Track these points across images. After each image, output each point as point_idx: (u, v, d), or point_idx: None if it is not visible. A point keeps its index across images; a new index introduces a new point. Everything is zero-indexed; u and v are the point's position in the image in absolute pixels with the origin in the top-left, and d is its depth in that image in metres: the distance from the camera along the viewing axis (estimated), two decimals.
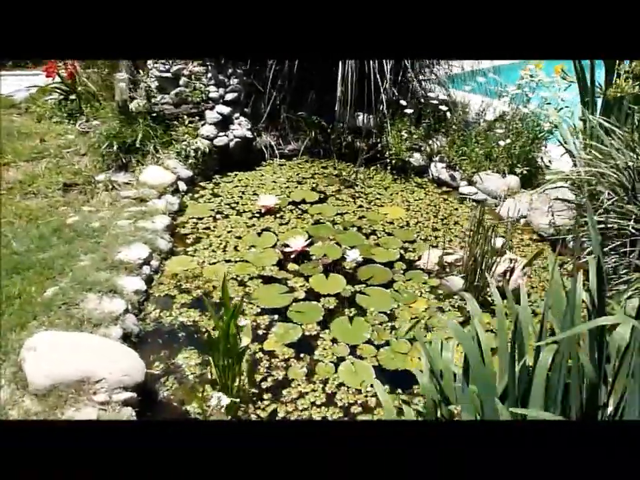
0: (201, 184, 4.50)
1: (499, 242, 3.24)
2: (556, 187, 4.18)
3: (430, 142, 4.77)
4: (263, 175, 4.70)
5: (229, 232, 3.82)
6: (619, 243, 3.36)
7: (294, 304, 3.11)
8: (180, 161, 4.45)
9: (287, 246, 3.59)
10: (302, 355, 2.76)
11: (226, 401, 2.18)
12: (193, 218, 3.99)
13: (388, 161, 4.72)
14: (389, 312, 3.08)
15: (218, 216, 4.03)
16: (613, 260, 3.38)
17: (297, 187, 4.50)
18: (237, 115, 4.81)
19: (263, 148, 4.95)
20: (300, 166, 4.90)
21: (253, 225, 3.92)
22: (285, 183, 4.57)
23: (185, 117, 4.69)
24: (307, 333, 2.90)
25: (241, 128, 4.78)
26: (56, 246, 3.26)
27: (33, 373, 2.31)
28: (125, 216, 3.68)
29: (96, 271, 3.04)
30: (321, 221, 4.02)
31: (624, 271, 3.30)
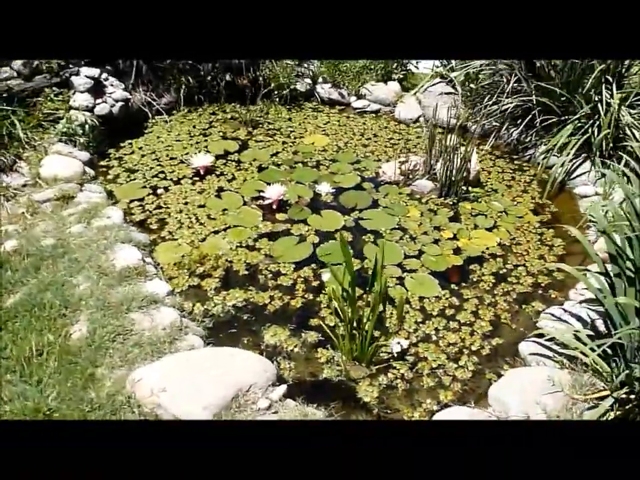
0: (102, 163, 3.93)
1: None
2: (433, 85, 4.79)
3: (309, 65, 4.86)
4: (159, 137, 4.27)
5: (185, 204, 3.52)
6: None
7: (317, 250, 3.17)
8: (67, 143, 3.78)
9: (263, 198, 3.50)
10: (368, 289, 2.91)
11: (405, 343, 2.29)
12: (133, 201, 3.54)
13: (276, 92, 4.69)
14: (397, 226, 3.36)
15: (159, 191, 3.64)
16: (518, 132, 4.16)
17: (206, 140, 4.24)
18: (104, 75, 4.17)
19: (141, 107, 4.43)
20: (190, 118, 4.54)
21: (204, 190, 3.67)
22: (190, 139, 4.24)
23: (46, 89, 3.92)
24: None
25: (116, 89, 4.19)
26: (32, 283, 2.66)
27: (182, 413, 2.06)
28: (71, 220, 3.12)
29: (111, 288, 2.64)
30: (263, 166, 3.94)
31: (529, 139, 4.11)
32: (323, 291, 2.88)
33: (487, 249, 3.19)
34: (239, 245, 3.18)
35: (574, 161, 3.75)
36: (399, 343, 2.44)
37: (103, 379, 2.20)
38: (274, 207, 3.47)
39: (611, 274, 2.36)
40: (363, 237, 3.28)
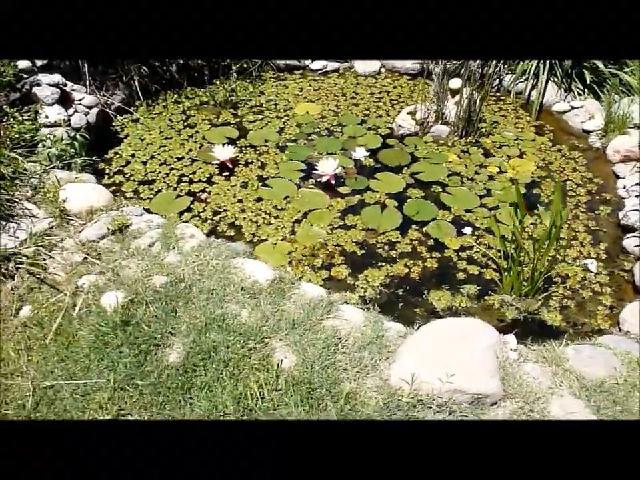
0: (107, 182, 3.36)
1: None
2: None
3: None
4: (142, 139, 3.75)
5: (239, 201, 3.24)
6: None
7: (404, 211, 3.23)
8: (62, 168, 3.15)
9: (318, 176, 3.38)
10: (479, 233, 3.10)
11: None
12: (182, 214, 3.15)
13: (233, 67, 4.37)
14: (449, 172, 3.54)
15: (203, 196, 3.27)
16: None
17: (196, 132, 3.84)
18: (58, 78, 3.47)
19: (102, 109, 3.79)
20: (158, 112, 4.03)
21: (246, 183, 3.39)
22: (178, 133, 3.81)
23: (6, 108, 3.16)
24: (445, 219, 3.18)
25: (81, 94, 3.52)
26: (186, 330, 2.32)
27: (482, 389, 2.08)
28: (158, 251, 2.70)
29: (277, 305, 2.43)
30: (281, 145, 3.75)
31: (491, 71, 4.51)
32: (447, 247, 2.99)
33: (532, 173, 3.57)
34: (330, 227, 3.09)
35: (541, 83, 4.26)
36: (592, 262, 2.71)
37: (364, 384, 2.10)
38: (332, 182, 3.38)
39: None
40: (431, 188, 3.41)
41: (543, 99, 4.21)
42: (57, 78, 3.34)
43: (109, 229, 2.78)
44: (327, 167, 3.33)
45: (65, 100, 3.38)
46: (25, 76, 3.23)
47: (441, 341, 2.26)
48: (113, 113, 3.84)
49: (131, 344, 2.25)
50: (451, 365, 2.11)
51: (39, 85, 3.27)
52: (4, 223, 2.79)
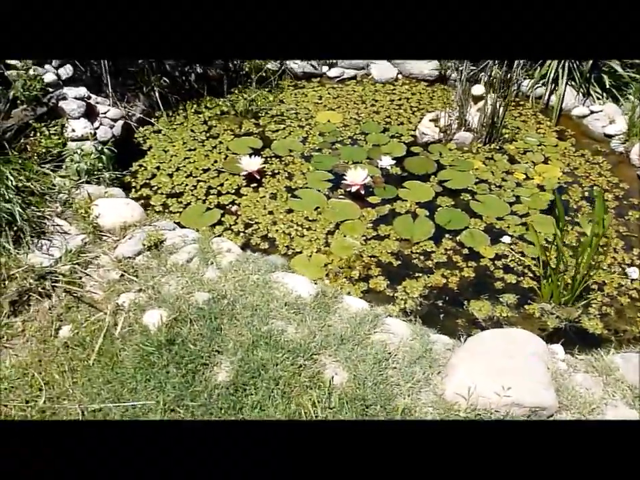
0: (135, 195, 3.33)
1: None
2: None
3: None
4: (166, 150, 3.72)
5: (270, 213, 3.21)
6: None
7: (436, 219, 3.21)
8: (91, 182, 3.12)
9: (347, 186, 3.37)
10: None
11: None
12: (213, 227, 3.12)
13: (252, 76, 4.34)
14: (477, 180, 3.54)
15: (233, 208, 3.25)
16: None
17: (219, 143, 3.82)
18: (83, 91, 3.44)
19: (125, 120, 3.76)
20: (180, 123, 3.99)
21: (275, 194, 3.37)
22: (201, 144, 3.78)
23: (33, 123, 3.12)
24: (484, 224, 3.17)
25: (106, 107, 3.49)
26: (232, 348, 2.30)
27: (538, 402, 2.06)
28: (197, 267, 2.66)
29: (323, 319, 2.41)
30: (306, 155, 3.73)
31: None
32: (483, 256, 2.98)
33: (559, 179, 3.57)
34: (364, 238, 3.07)
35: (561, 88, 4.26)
36: (634, 271, 2.71)
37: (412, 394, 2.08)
38: (361, 192, 3.36)
39: None
40: (460, 197, 3.40)
41: (562, 103, 4.21)
42: (83, 91, 3.30)
43: (144, 245, 2.75)
44: (357, 177, 3.32)
45: (90, 113, 3.34)
46: (50, 90, 3.19)
47: (490, 353, 2.25)
48: (135, 124, 3.81)
49: (177, 364, 2.22)
50: (505, 377, 2.10)
51: (64, 98, 3.23)
52: (36, 240, 2.75)
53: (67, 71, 3.32)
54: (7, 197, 2.68)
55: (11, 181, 2.74)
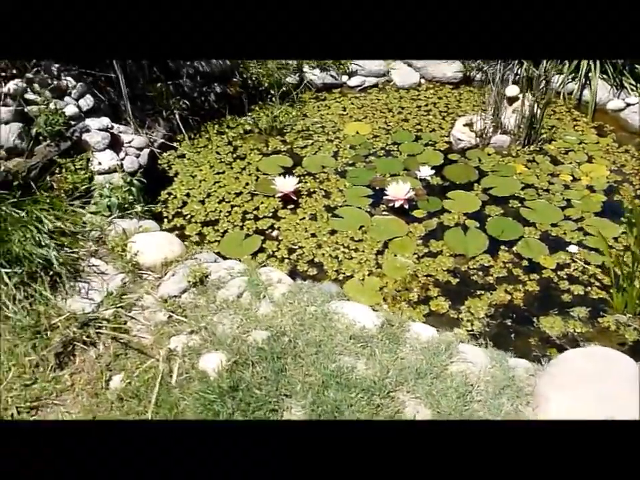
0: (166, 227, 3.17)
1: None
2: None
3: None
4: (193, 176, 3.56)
5: (313, 235, 3.05)
6: None
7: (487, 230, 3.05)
8: (123, 217, 2.95)
9: (391, 200, 3.20)
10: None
11: None
12: (255, 255, 2.96)
13: (272, 92, 4.18)
14: (522, 185, 3.37)
15: (274, 233, 3.08)
16: None
17: (248, 164, 3.65)
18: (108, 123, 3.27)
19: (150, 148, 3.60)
20: (203, 145, 3.84)
21: (314, 215, 3.20)
22: (229, 167, 3.62)
23: (58, 159, 2.96)
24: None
25: (129, 135, 3.33)
26: (302, 388, 2.13)
27: None
28: (249, 302, 2.50)
29: (393, 351, 2.24)
30: (339, 170, 3.57)
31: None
32: (544, 266, 2.81)
33: (607, 178, 3.41)
34: (415, 255, 2.90)
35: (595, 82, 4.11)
36: None
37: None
38: (405, 206, 3.20)
39: None
40: (508, 204, 3.24)
41: (595, 97, 4.06)
42: (106, 121, 3.14)
43: (189, 282, 2.58)
44: (399, 191, 3.16)
45: (114, 144, 3.18)
46: (72, 123, 3.02)
47: (579, 377, 2.08)
48: (157, 150, 3.64)
49: (243, 411, 2.05)
50: (603, 404, 1.94)
51: (88, 130, 3.07)
52: (73, 284, 2.59)
53: (87, 102, 3.15)
54: (43, 242, 2.51)
55: (46, 224, 2.58)
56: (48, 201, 2.78)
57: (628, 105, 4.00)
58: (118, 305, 2.49)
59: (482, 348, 2.31)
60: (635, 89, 4.06)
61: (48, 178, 2.92)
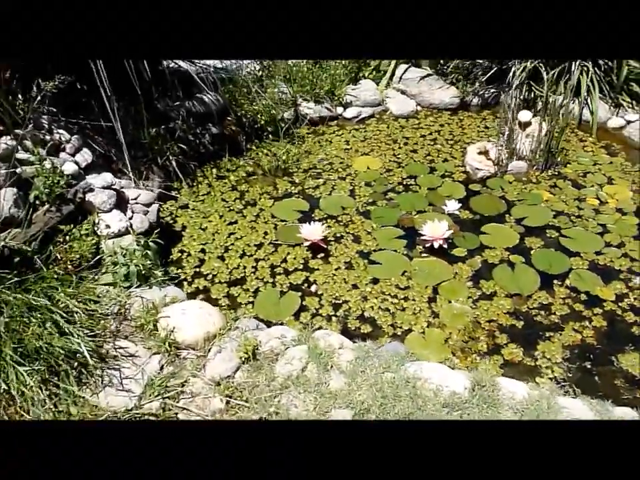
0: (189, 290, 2.81)
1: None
2: (404, 72, 4.64)
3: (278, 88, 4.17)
4: (203, 228, 3.21)
5: (355, 287, 2.79)
6: None
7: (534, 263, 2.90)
8: (135, 286, 2.58)
9: (428, 241, 3.00)
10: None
11: None
12: (298, 315, 2.66)
13: (268, 129, 3.92)
14: (554, 212, 3.26)
15: (312, 288, 2.79)
16: None
17: (261, 210, 3.35)
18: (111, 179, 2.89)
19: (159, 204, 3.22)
20: (205, 193, 3.51)
21: (349, 262, 2.94)
22: (241, 215, 3.31)
23: (61, 227, 2.56)
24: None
25: (135, 190, 2.96)
26: None
27: None
28: (316, 375, 2.20)
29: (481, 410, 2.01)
30: (360, 211, 3.34)
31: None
32: (603, 299, 2.68)
33: (632, 199, 3.36)
34: (471, 300, 2.71)
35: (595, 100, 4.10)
36: None
37: None
38: (444, 246, 3.00)
39: None
40: (546, 234, 3.11)
41: (596, 116, 4.05)
42: (109, 178, 2.77)
43: (240, 358, 2.25)
44: (437, 231, 2.96)
45: (119, 202, 2.81)
46: (73, 182, 2.64)
47: None
48: (158, 202, 3.28)
49: None
50: None
51: (91, 190, 2.69)
52: (100, 372, 2.21)
53: (85, 157, 2.79)
54: (65, 330, 2.12)
55: (61, 306, 2.19)
56: (56, 277, 2.39)
57: (628, 122, 4.02)
58: (165, 396, 2.13)
59: (579, 399, 2.13)
60: (631, 106, 4.09)
61: (51, 248, 2.51)
